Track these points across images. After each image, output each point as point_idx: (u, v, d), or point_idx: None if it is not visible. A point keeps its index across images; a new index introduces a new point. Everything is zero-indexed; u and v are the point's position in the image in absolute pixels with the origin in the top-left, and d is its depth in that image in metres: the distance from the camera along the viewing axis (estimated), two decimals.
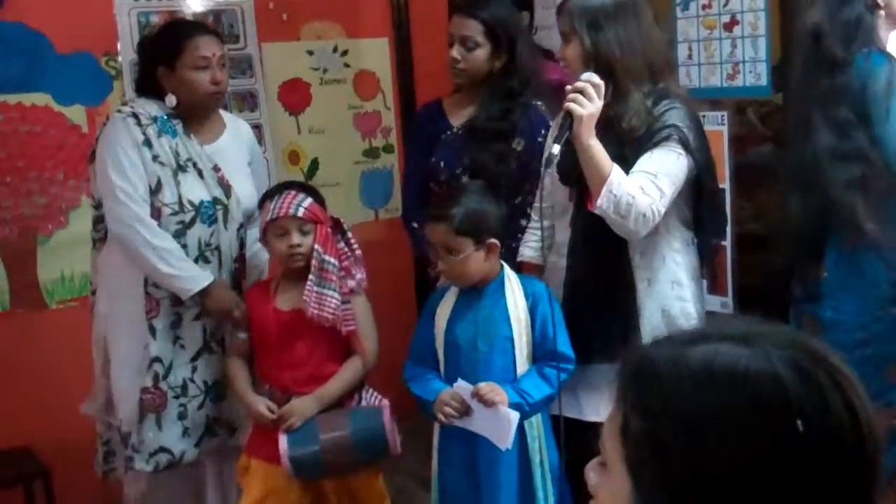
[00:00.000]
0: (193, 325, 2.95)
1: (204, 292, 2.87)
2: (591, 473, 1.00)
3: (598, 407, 2.57)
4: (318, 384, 2.80)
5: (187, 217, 2.89)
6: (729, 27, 3.34)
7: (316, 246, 2.77)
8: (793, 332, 0.96)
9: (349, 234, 2.87)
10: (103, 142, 2.91)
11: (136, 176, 2.85)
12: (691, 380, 0.90)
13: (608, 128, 2.49)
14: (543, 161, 2.54)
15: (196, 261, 2.91)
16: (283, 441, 2.71)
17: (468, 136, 3.19)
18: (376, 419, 2.77)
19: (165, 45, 2.94)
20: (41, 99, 3.58)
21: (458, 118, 3.26)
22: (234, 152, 3.08)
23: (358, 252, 2.87)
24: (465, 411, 2.53)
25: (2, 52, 3.50)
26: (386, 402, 2.84)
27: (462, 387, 2.51)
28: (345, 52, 4.30)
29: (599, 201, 2.42)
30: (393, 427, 2.75)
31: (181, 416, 2.95)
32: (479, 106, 3.19)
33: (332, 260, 2.78)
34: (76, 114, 3.65)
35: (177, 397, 2.95)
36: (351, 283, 2.83)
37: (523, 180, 3.08)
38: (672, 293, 2.60)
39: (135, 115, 2.90)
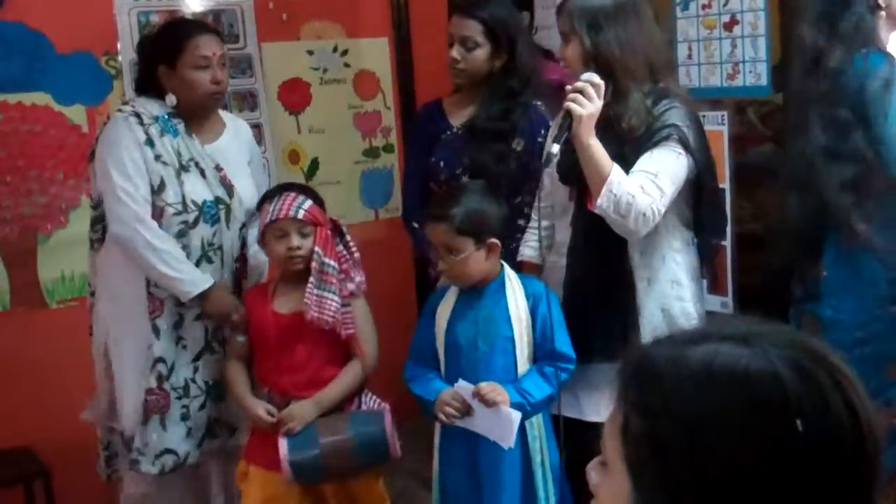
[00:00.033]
0: (195, 325, 2.94)
1: (203, 295, 2.86)
2: (593, 473, 1.00)
3: (598, 407, 2.57)
4: (317, 388, 2.78)
5: (191, 217, 2.88)
6: (729, 27, 3.34)
7: (316, 248, 2.75)
8: (793, 331, 0.96)
9: (348, 237, 2.86)
10: (104, 141, 2.89)
11: (138, 175, 2.83)
12: (691, 379, 0.90)
13: (608, 127, 2.49)
14: (543, 160, 2.54)
15: (199, 261, 2.90)
16: (282, 445, 2.69)
17: (468, 136, 3.19)
18: (377, 423, 2.75)
19: (166, 44, 2.93)
20: (41, 98, 3.59)
21: (457, 118, 3.26)
22: (235, 152, 3.07)
23: (357, 255, 2.86)
24: (467, 411, 2.53)
25: (2, 51, 3.50)
26: (386, 405, 2.83)
27: (463, 387, 2.51)
28: (345, 52, 4.30)
29: (599, 201, 2.42)
30: (393, 431, 2.74)
31: (184, 417, 2.94)
32: (479, 106, 3.19)
33: (332, 263, 2.77)
34: (76, 113, 3.65)
35: (179, 398, 2.93)
36: (350, 286, 2.81)
37: (523, 180, 3.08)
38: (672, 293, 2.61)
39: (137, 115, 2.89)
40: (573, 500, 2.67)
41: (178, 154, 2.90)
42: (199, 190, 2.91)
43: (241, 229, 3.00)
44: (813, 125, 2.61)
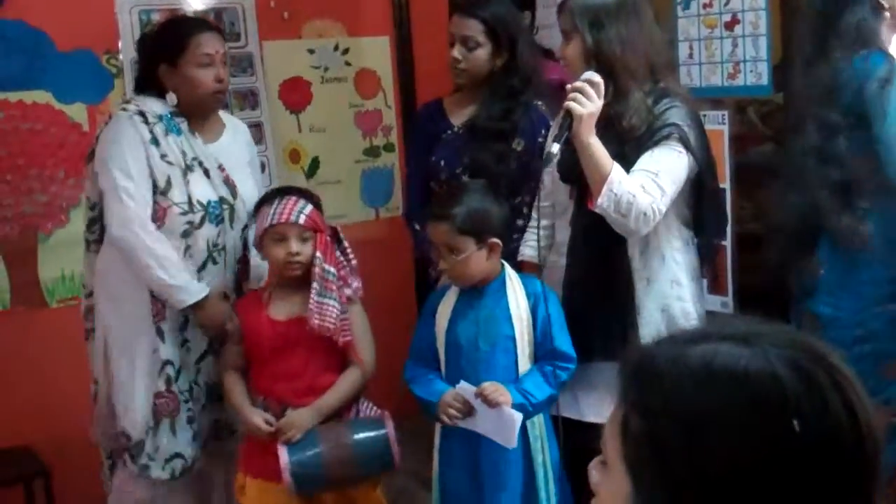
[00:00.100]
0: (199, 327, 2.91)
1: (197, 304, 2.82)
2: (594, 472, 1.00)
3: (596, 407, 2.57)
4: (315, 395, 2.73)
5: (196, 217, 2.84)
6: (730, 26, 3.34)
7: (318, 254, 2.72)
8: (793, 331, 0.96)
9: (345, 244, 2.83)
10: (106, 140, 2.84)
11: (141, 176, 2.79)
12: (691, 379, 0.90)
13: (608, 126, 2.49)
14: (543, 160, 2.53)
15: (205, 263, 2.87)
16: (283, 454, 2.63)
17: (468, 136, 3.19)
18: (379, 429, 2.71)
19: (168, 42, 2.90)
20: (42, 97, 3.59)
21: (458, 117, 3.26)
22: (236, 152, 3.05)
23: (354, 262, 2.83)
24: (469, 412, 2.52)
25: (2, 49, 3.50)
26: (387, 412, 2.79)
27: (465, 388, 2.51)
28: (346, 51, 4.30)
29: (600, 200, 2.42)
30: (395, 438, 2.69)
31: (190, 420, 2.91)
32: (480, 105, 3.18)
33: (332, 269, 2.74)
34: (77, 112, 3.65)
35: (186, 401, 2.90)
36: (348, 292, 2.78)
37: (523, 180, 3.08)
38: (672, 293, 2.60)
39: (141, 114, 2.85)
40: (574, 501, 2.67)
41: (183, 153, 2.86)
42: (203, 190, 2.87)
43: (243, 230, 2.97)
44: (809, 125, 2.62)
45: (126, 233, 2.79)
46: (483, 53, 3.13)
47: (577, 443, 2.50)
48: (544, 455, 2.63)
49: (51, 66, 3.58)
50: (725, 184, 3.23)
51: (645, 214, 2.43)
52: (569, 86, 2.44)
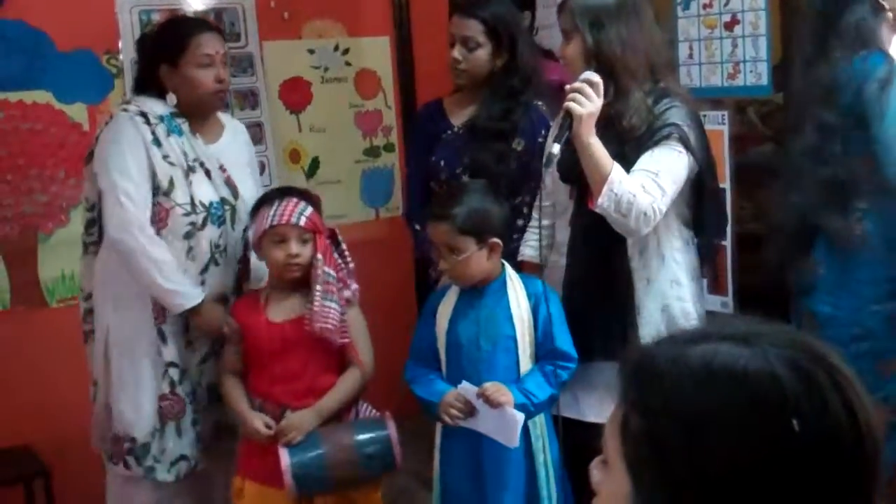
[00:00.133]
0: None
1: (193, 309, 2.80)
2: (595, 471, 1.00)
3: (596, 407, 2.57)
4: (315, 397, 2.72)
5: (199, 218, 2.83)
6: (730, 27, 3.34)
7: (318, 256, 2.71)
8: (793, 331, 0.96)
9: (343, 246, 2.82)
10: (106, 140, 2.82)
11: (141, 177, 2.77)
12: (691, 379, 0.90)
13: (609, 126, 2.49)
14: (544, 160, 2.54)
15: (208, 264, 2.85)
16: (284, 457, 2.60)
17: (469, 136, 3.19)
18: (381, 431, 2.69)
19: (168, 42, 2.89)
20: (42, 97, 3.59)
21: (458, 118, 3.26)
22: (235, 152, 3.03)
23: (351, 265, 2.82)
24: (470, 412, 2.52)
25: (2, 49, 3.50)
26: (388, 413, 2.77)
27: (467, 388, 2.51)
28: (346, 51, 4.30)
29: (600, 200, 2.42)
30: (397, 439, 2.68)
31: (195, 423, 2.90)
32: (480, 105, 3.18)
33: (332, 272, 2.73)
34: (77, 112, 3.65)
35: (191, 402, 2.89)
36: (346, 294, 2.77)
37: (523, 180, 3.08)
38: (671, 292, 2.61)
39: (143, 114, 2.83)
40: (574, 500, 2.68)
41: (185, 154, 2.85)
42: (205, 191, 2.86)
43: (244, 231, 2.94)
44: (807, 125, 2.63)
45: (124, 236, 2.77)
46: (483, 54, 3.13)
47: (577, 442, 2.50)
48: (546, 454, 2.63)
49: (51, 66, 3.58)
50: (725, 184, 3.23)
51: (645, 214, 2.43)
52: (567, 86, 2.44)
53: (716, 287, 3.36)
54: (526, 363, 2.58)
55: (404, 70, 4.44)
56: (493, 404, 2.46)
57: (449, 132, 3.26)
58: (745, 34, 3.30)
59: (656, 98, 2.55)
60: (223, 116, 3.13)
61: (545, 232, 2.80)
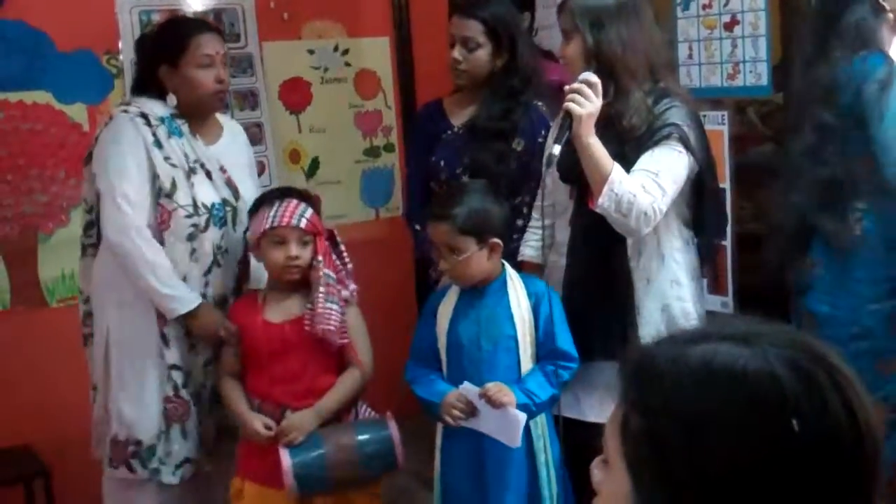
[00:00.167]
0: None
1: (190, 314, 2.79)
2: (595, 470, 1.00)
3: (597, 407, 2.58)
4: (315, 397, 2.71)
5: (202, 220, 2.81)
6: (729, 27, 3.34)
7: (319, 258, 2.70)
8: (793, 331, 0.96)
9: (342, 247, 2.82)
10: (105, 141, 2.82)
11: (141, 179, 2.76)
12: (691, 379, 0.90)
13: (609, 126, 2.49)
14: (544, 161, 2.54)
15: (211, 266, 2.85)
16: (285, 457, 2.60)
17: (469, 136, 3.19)
18: (383, 431, 2.69)
19: (168, 42, 2.88)
20: (42, 97, 3.59)
21: (458, 118, 3.26)
22: (235, 154, 3.03)
23: (350, 266, 2.82)
24: (472, 412, 2.52)
25: (3, 50, 3.50)
26: (389, 413, 2.77)
27: (468, 388, 2.51)
28: (346, 52, 4.30)
29: (601, 200, 2.42)
30: (398, 439, 2.68)
31: (199, 424, 2.89)
32: (480, 105, 3.18)
33: (331, 273, 2.73)
34: (77, 112, 3.65)
35: (195, 405, 2.88)
36: (345, 294, 2.77)
37: (523, 180, 3.08)
38: (671, 292, 2.61)
39: (143, 115, 2.82)
40: (574, 500, 2.68)
41: (186, 156, 2.84)
42: (207, 192, 2.85)
43: (244, 232, 2.93)
44: (807, 125, 2.63)
45: (122, 239, 2.76)
46: (483, 54, 3.13)
47: (578, 442, 2.50)
48: (547, 454, 2.63)
49: (51, 66, 3.58)
50: (725, 184, 3.23)
51: (646, 214, 2.43)
52: (566, 87, 2.44)
53: (716, 287, 3.36)
54: (527, 363, 2.58)
55: (404, 70, 4.44)
56: (496, 405, 2.46)
57: (449, 132, 3.26)
58: (744, 34, 3.30)
59: (656, 98, 2.55)
60: (222, 118, 3.12)
61: (545, 232, 2.80)
